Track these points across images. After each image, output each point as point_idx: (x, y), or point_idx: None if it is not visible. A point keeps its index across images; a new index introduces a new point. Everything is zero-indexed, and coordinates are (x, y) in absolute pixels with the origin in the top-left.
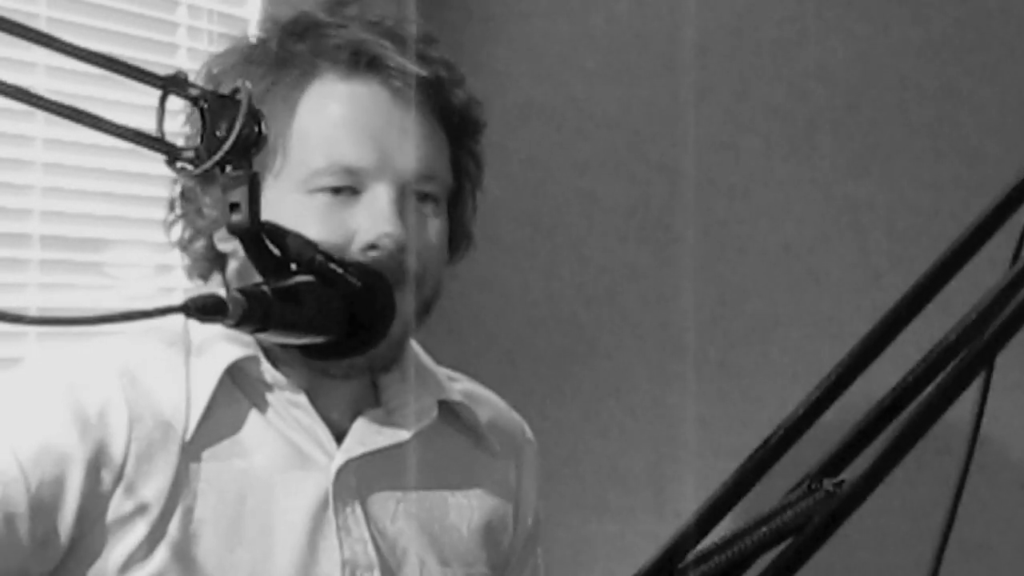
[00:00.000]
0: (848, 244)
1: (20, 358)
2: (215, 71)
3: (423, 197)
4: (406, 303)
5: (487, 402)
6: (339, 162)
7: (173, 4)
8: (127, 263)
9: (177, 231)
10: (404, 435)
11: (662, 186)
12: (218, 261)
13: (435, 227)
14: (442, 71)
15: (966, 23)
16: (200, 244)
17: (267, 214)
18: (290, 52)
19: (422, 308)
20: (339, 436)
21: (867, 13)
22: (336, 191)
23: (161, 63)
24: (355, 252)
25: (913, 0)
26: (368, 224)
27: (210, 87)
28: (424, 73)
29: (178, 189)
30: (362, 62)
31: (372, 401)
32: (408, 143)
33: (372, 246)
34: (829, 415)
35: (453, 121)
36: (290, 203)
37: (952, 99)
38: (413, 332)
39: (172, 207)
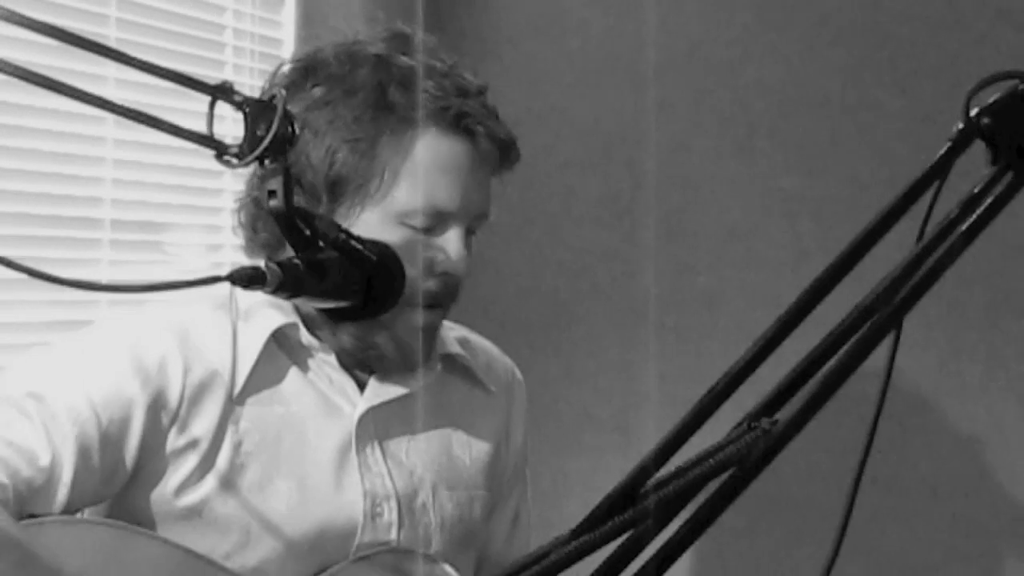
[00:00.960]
0: (782, 229)
1: (92, 321)
2: (313, 96)
3: (473, 232)
4: (444, 316)
5: (482, 348)
6: (435, 207)
7: (220, 28)
8: (183, 243)
9: (243, 219)
10: (414, 386)
11: (628, 181)
12: (266, 246)
13: (471, 252)
14: (509, 137)
15: (879, 45)
16: (264, 234)
17: (359, 231)
18: (395, 102)
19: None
20: (361, 387)
21: (797, 36)
22: (424, 229)
23: (210, 75)
24: (432, 276)
25: (835, 25)
26: (445, 257)
27: (311, 111)
28: (505, 140)
29: (246, 192)
30: (461, 126)
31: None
32: (480, 193)
33: (445, 273)
34: (765, 368)
35: (502, 174)
36: (380, 228)
37: (868, 109)
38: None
39: (240, 206)
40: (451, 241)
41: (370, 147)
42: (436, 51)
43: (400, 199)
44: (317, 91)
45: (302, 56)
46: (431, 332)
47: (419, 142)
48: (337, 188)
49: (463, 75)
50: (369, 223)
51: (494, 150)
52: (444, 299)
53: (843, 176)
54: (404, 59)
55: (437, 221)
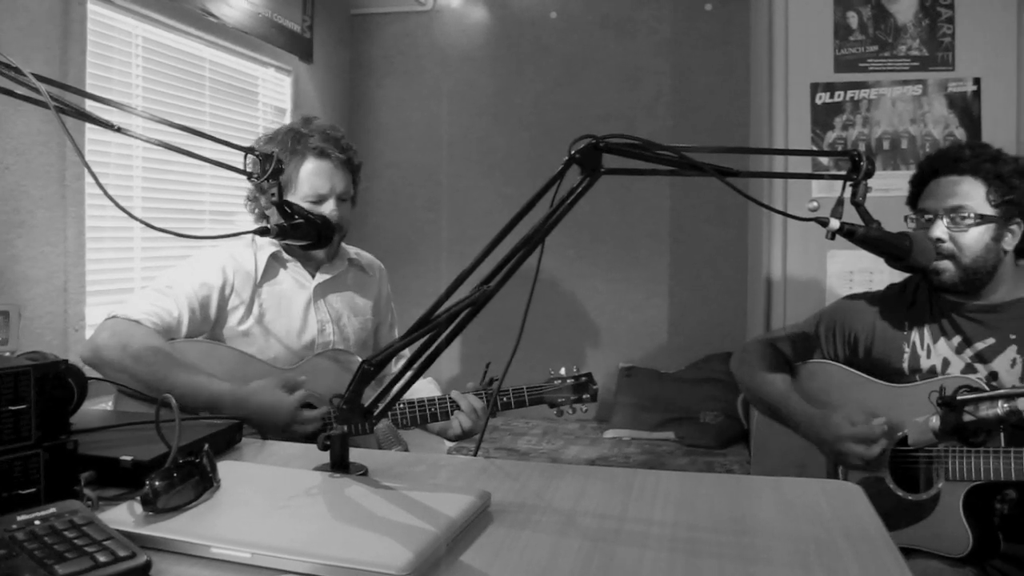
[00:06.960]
0: (501, 212)
1: (187, 255)
2: (266, 143)
3: (344, 200)
4: (340, 237)
5: (366, 255)
6: (316, 192)
7: (255, 124)
8: (235, 220)
9: (249, 205)
10: (335, 273)
11: (436, 189)
12: (264, 218)
13: (348, 211)
14: (353, 155)
15: (547, 132)
16: (257, 211)
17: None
18: (296, 145)
19: (341, 238)
20: (312, 276)
21: (511, 127)
22: (314, 202)
23: (249, 138)
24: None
25: (528, 123)
26: (329, 212)
27: (266, 148)
28: (346, 158)
29: (249, 193)
30: (325, 152)
31: (323, 264)
32: (340, 182)
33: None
34: (486, 264)
35: (354, 173)
36: (299, 203)
37: (539, 155)
38: (340, 244)
39: (249, 198)
40: (328, 206)
41: (285, 167)
42: (323, 124)
43: (301, 190)
44: (272, 142)
45: (278, 131)
46: (332, 247)
47: (305, 163)
48: (280, 187)
49: (332, 133)
50: (294, 201)
51: (343, 163)
52: (335, 232)
53: (530, 186)
54: (302, 128)
55: (320, 199)
